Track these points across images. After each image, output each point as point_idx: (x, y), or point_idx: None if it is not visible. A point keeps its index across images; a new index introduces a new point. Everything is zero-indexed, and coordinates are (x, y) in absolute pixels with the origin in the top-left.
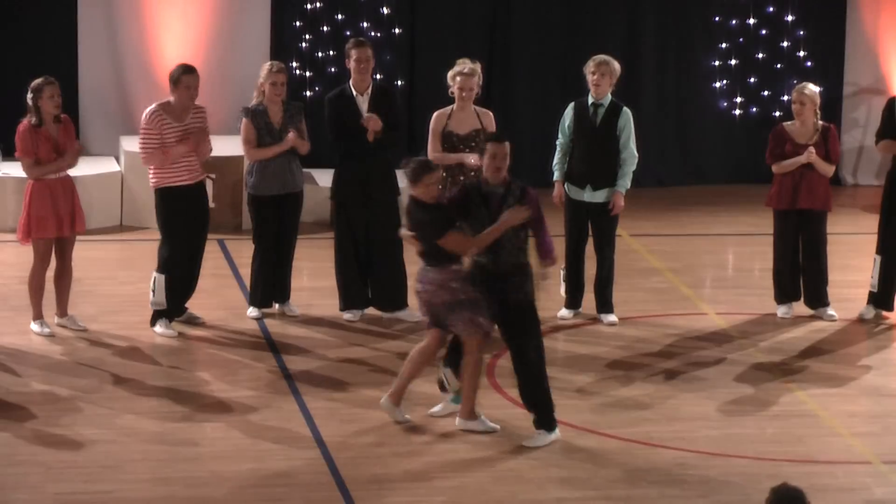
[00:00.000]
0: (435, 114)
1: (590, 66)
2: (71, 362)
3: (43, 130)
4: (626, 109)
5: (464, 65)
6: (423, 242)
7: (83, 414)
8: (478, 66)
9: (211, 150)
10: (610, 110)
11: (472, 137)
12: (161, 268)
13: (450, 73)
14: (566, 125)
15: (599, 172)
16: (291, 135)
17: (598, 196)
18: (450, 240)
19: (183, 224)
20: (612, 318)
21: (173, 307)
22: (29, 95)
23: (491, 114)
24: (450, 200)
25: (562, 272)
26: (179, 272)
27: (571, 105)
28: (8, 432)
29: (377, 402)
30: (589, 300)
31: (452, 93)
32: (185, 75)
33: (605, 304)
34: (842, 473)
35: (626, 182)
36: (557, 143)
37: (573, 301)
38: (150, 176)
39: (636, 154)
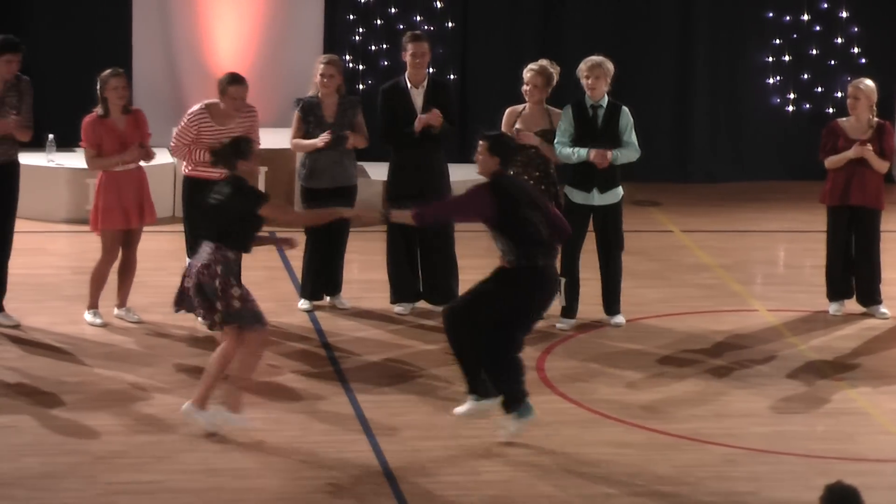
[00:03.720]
0: (507, 110)
1: (583, 70)
2: (123, 353)
3: (108, 122)
4: (625, 109)
5: (536, 63)
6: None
7: (134, 404)
8: (551, 67)
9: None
10: (609, 111)
11: (540, 136)
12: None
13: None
14: (564, 128)
15: (606, 174)
16: (324, 136)
17: (607, 198)
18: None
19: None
20: (621, 318)
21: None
22: (98, 86)
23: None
24: None
25: (561, 281)
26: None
27: (568, 107)
28: (59, 421)
29: (426, 395)
30: (588, 306)
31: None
32: (230, 86)
33: (614, 305)
34: (892, 472)
35: (619, 153)
36: (557, 144)
37: (570, 310)
38: (184, 164)
39: (639, 149)
